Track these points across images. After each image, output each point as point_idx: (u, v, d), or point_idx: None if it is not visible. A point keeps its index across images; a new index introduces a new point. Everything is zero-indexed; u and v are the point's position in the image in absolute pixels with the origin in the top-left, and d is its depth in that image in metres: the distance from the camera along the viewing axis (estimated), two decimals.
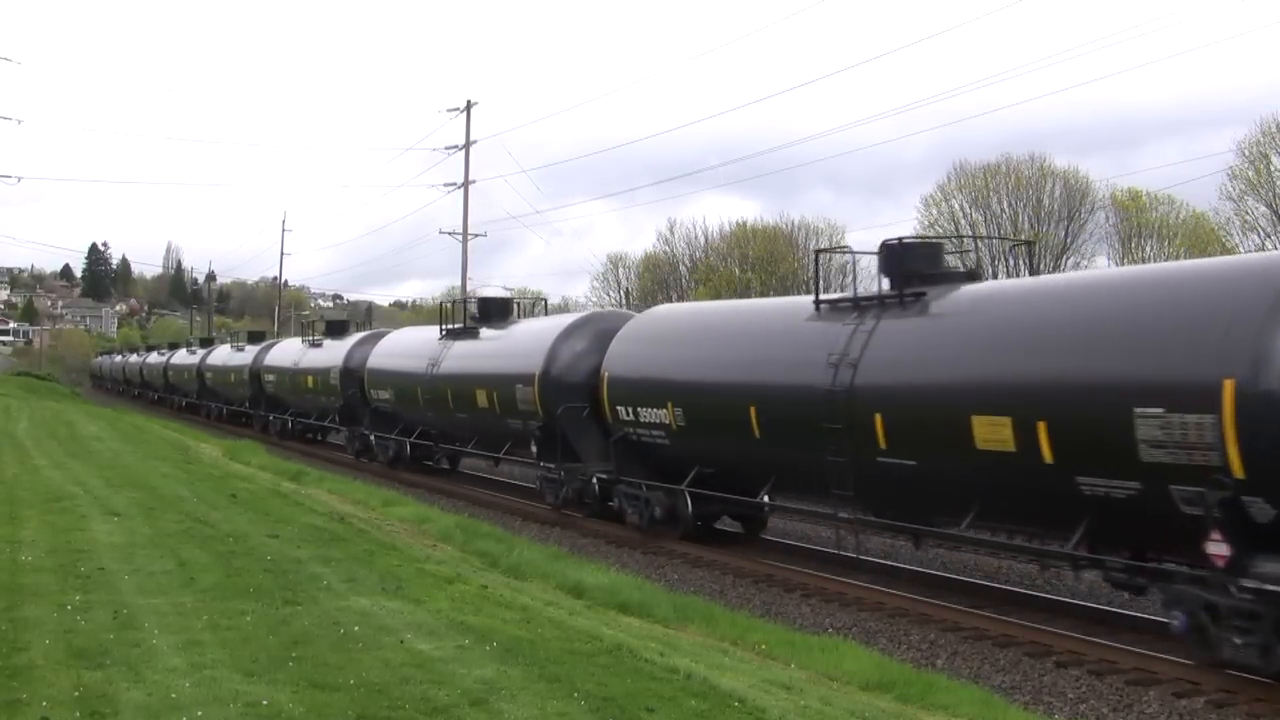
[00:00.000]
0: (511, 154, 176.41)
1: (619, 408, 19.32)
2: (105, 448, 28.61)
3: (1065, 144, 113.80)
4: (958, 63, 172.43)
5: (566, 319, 23.97)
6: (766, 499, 17.05)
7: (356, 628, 8.95)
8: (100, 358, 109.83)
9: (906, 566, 16.39)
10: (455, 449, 28.35)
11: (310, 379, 37.11)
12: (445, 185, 53.83)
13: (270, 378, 42.41)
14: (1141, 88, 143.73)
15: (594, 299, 75.18)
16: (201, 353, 57.10)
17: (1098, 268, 52.98)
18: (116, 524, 14.18)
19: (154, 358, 72.80)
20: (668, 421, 18.05)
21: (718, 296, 55.75)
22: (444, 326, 28.16)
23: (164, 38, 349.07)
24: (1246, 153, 50.11)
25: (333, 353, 35.69)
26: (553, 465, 21.36)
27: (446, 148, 52.29)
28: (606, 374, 19.80)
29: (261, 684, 7.25)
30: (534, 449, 21.94)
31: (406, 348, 30.68)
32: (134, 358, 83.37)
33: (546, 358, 21.72)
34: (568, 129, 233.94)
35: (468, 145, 50.90)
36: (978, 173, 59.25)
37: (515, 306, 29.31)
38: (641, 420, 18.74)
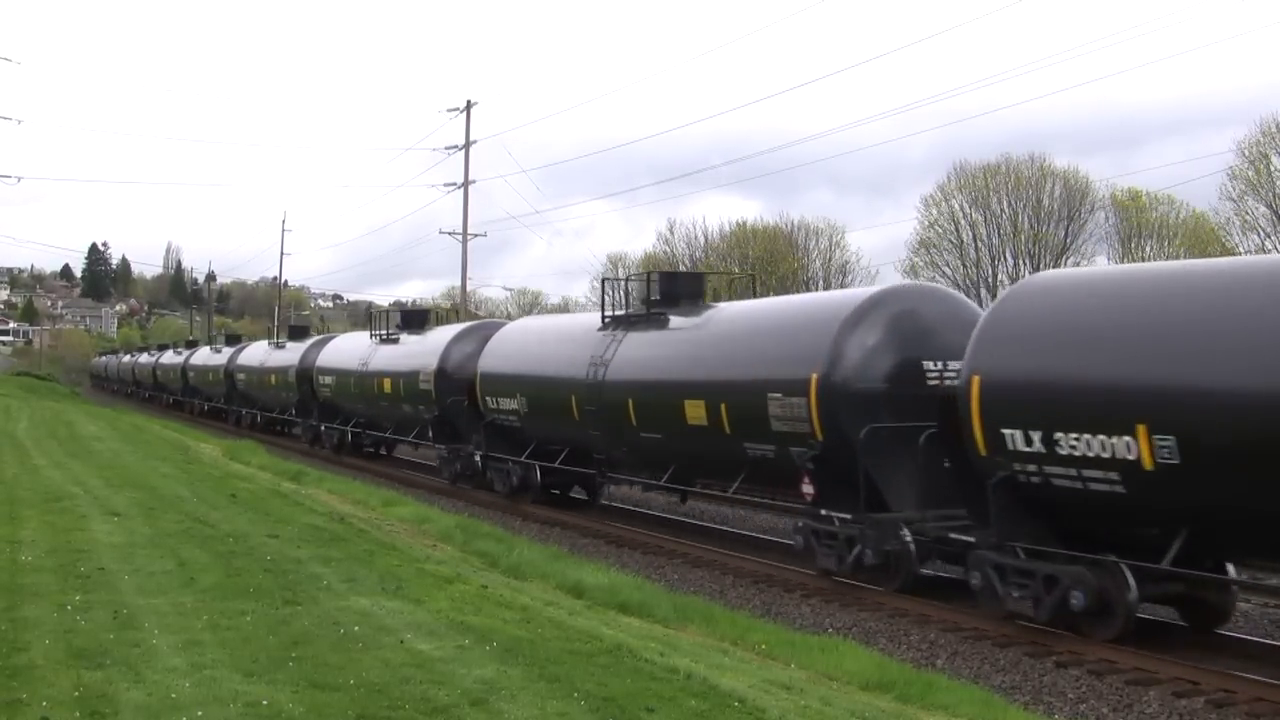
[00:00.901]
0: (513, 154, 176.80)
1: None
2: (105, 448, 28.61)
3: (1067, 144, 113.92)
4: (960, 63, 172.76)
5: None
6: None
7: (356, 628, 8.95)
8: (100, 358, 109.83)
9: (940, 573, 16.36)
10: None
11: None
12: (445, 185, 53.82)
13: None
14: (1143, 87, 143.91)
15: (593, 299, 75.12)
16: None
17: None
18: (116, 524, 14.18)
19: (145, 358, 78.14)
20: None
21: (717, 297, 55.66)
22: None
23: (164, 38, 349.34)
24: (1246, 153, 50.11)
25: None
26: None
27: (447, 148, 52.30)
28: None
29: (261, 684, 7.25)
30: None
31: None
32: (127, 358, 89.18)
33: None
34: (569, 129, 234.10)
35: (467, 145, 50.91)
36: (977, 173, 59.24)
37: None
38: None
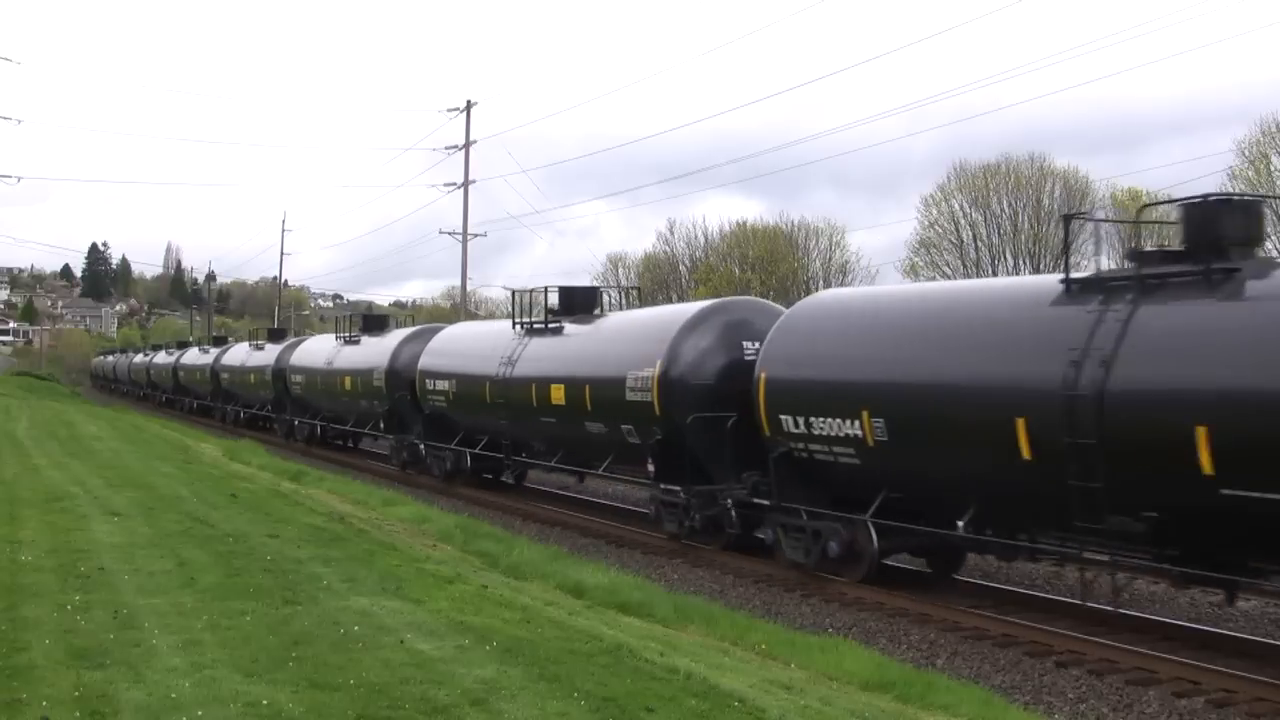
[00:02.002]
0: (515, 154, 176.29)
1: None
2: (105, 447, 28.62)
3: (1071, 144, 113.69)
4: (963, 62, 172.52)
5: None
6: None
7: (356, 628, 8.96)
8: (99, 358, 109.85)
9: (906, 566, 16.38)
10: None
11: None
12: (446, 185, 53.74)
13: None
14: (1148, 87, 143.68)
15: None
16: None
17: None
18: (116, 524, 14.19)
19: (139, 358, 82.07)
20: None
21: (717, 296, 55.74)
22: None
23: (164, 38, 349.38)
24: (1246, 153, 50.12)
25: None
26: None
27: (447, 148, 52.31)
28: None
29: (261, 684, 7.25)
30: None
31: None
32: (124, 358, 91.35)
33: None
34: (572, 128, 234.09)
35: (467, 145, 50.91)
36: (977, 173, 59.28)
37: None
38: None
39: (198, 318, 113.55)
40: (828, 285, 64.59)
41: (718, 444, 17.05)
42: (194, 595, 10.00)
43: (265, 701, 6.85)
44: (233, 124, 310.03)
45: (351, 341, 35.03)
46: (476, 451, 25.40)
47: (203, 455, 28.79)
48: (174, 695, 6.92)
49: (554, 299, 23.86)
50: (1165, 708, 10.27)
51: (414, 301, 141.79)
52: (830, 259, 67.55)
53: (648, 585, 13.98)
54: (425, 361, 27.48)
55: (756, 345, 16.95)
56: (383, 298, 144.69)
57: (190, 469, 23.62)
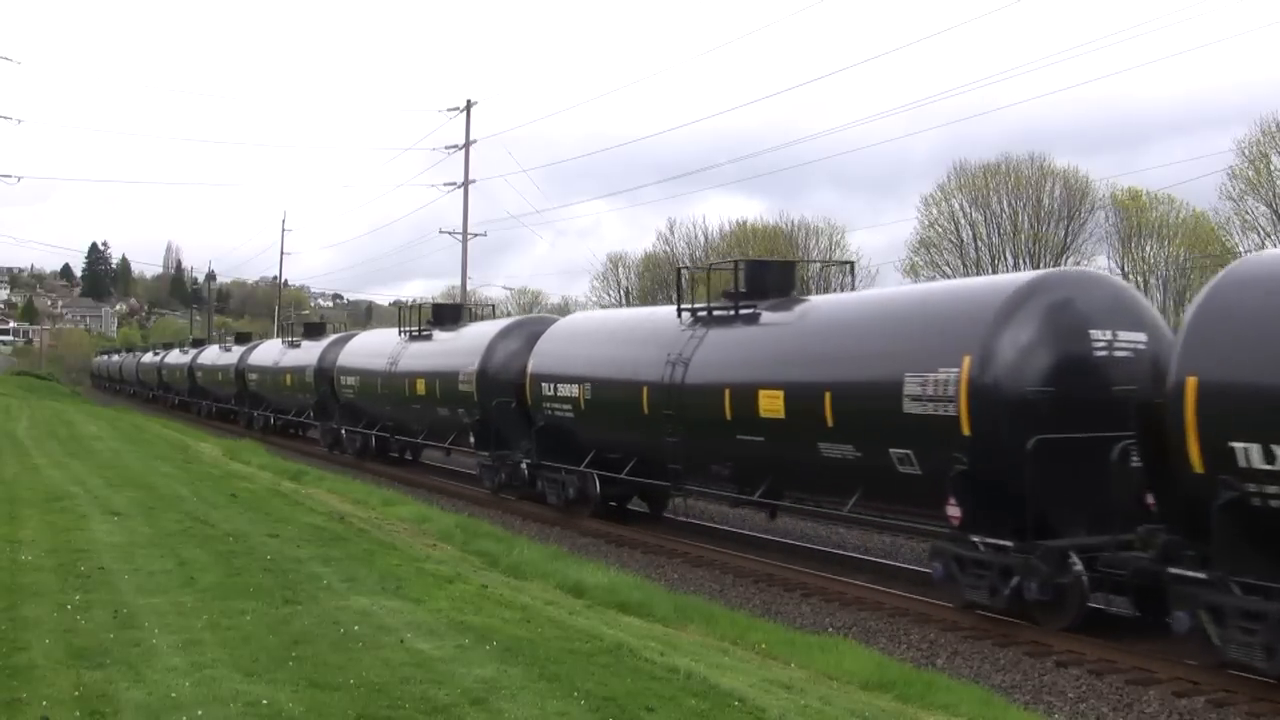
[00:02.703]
0: (515, 153, 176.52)
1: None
2: (105, 447, 28.63)
3: (1072, 143, 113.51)
4: (965, 62, 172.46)
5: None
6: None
7: (356, 627, 8.96)
8: (100, 357, 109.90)
9: (906, 566, 16.40)
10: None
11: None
12: (445, 185, 53.66)
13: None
14: (1149, 86, 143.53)
15: (594, 299, 75.21)
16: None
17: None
18: (116, 523, 14.19)
19: (148, 357, 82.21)
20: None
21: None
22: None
23: (164, 37, 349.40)
24: (1246, 152, 50.16)
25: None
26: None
27: (447, 147, 52.29)
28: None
29: (261, 683, 7.25)
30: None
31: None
32: (129, 357, 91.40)
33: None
34: (573, 128, 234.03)
35: (467, 145, 50.90)
36: (977, 172, 59.28)
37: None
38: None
39: (198, 317, 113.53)
40: (828, 284, 64.54)
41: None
42: (194, 595, 10.00)
43: (265, 701, 6.85)
44: (233, 124, 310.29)
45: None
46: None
47: (202, 455, 28.78)
48: (174, 695, 6.92)
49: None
50: (1165, 707, 10.27)
51: (414, 301, 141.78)
52: (830, 258, 67.44)
53: (647, 585, 13.98)
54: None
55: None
56: (383, 297, 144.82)
57: (190, 468, 23.62)
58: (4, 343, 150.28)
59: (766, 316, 17.25)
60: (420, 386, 27.64)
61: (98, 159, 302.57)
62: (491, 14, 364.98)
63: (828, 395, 14.76)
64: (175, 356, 65.29)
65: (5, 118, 64.25)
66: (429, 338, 29.01)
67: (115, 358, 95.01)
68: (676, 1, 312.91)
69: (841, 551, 17.66)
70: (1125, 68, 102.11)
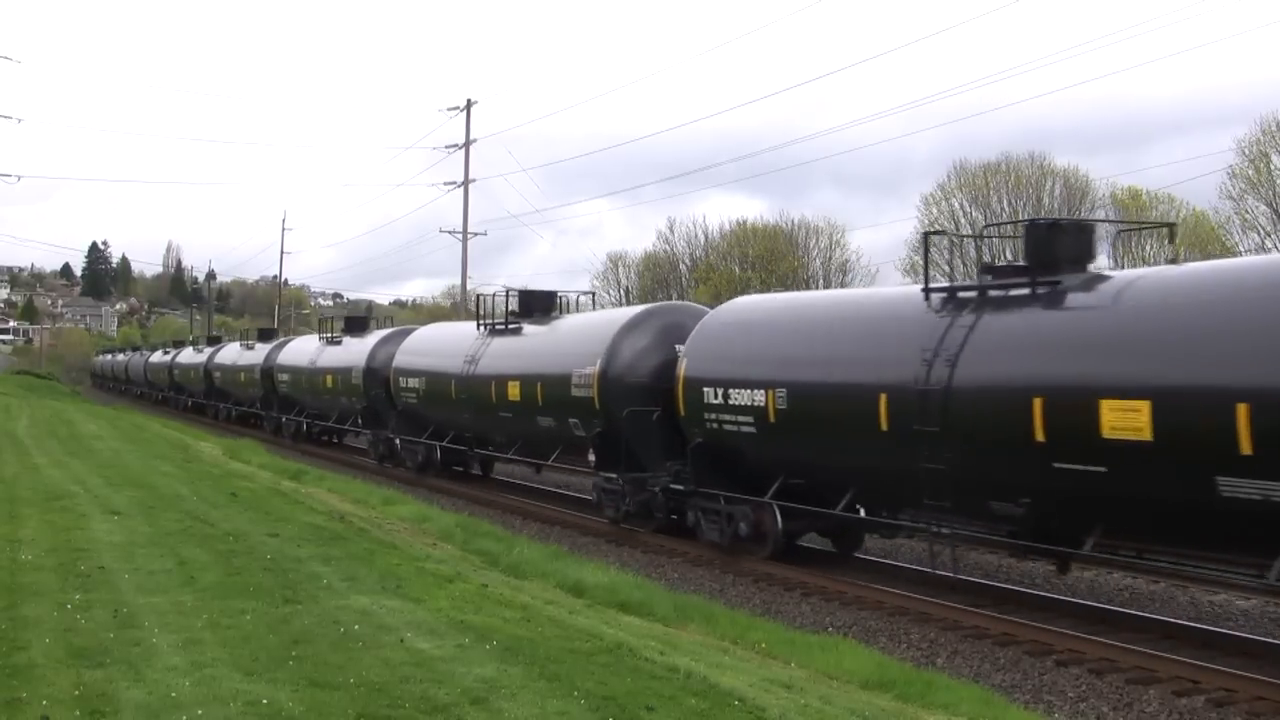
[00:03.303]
0: (516, 153, 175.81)
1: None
2: (105, 446, 28.62)
3: (1073, 142, 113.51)
4: (966, 60, 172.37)
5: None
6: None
7: (356, 626, 8.96)
8: (103, 356, 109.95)
9: (907, 565, 16.39)
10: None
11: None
12: (446, 184, 53.66)
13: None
14: (1152, 84, 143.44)
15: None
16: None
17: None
18: (116, 523, 14.19)
19: (137, 357, 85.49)
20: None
21: (717, 296, 55.79)
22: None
23: (164, 36, 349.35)
24: (1246, 152, 50.13)
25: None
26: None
27: (447, 146, 52.31)
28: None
29: (261, 683, 7.25)
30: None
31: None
32: (123, 357, 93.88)
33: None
34: (574, 127, 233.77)
35: (467, 144, 50.91)
36: (978, 172, 59.28)
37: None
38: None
39: (198, 316, 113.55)
40: (828, 284, 64.62)
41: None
42: (194, 594, 10.00)
43: (265, 700, 6.85)
44: (233, 123, 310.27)
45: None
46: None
47: (202, 454, 28.78)
48: (174, 694, 6.91)
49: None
50: (1165, 706, 10.27)
51: (414, 300, 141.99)
52: (830, 258, 67.60)
53: (647, 584, 13.98)
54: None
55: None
56: (383, 296, 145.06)
57: (190, 468, 23.62)
58: (4, 342, 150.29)
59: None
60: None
61: (98, 158, 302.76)
62: (493, 13, 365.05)
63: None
64: (189, 355, 61.69)
65: (5, 117, 64.11)
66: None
67: (119, 357, 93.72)
68: (678, 1, 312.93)
69: (892, 563, 16.86)
70: (1127, 66, 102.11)
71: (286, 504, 17.97)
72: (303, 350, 39.95)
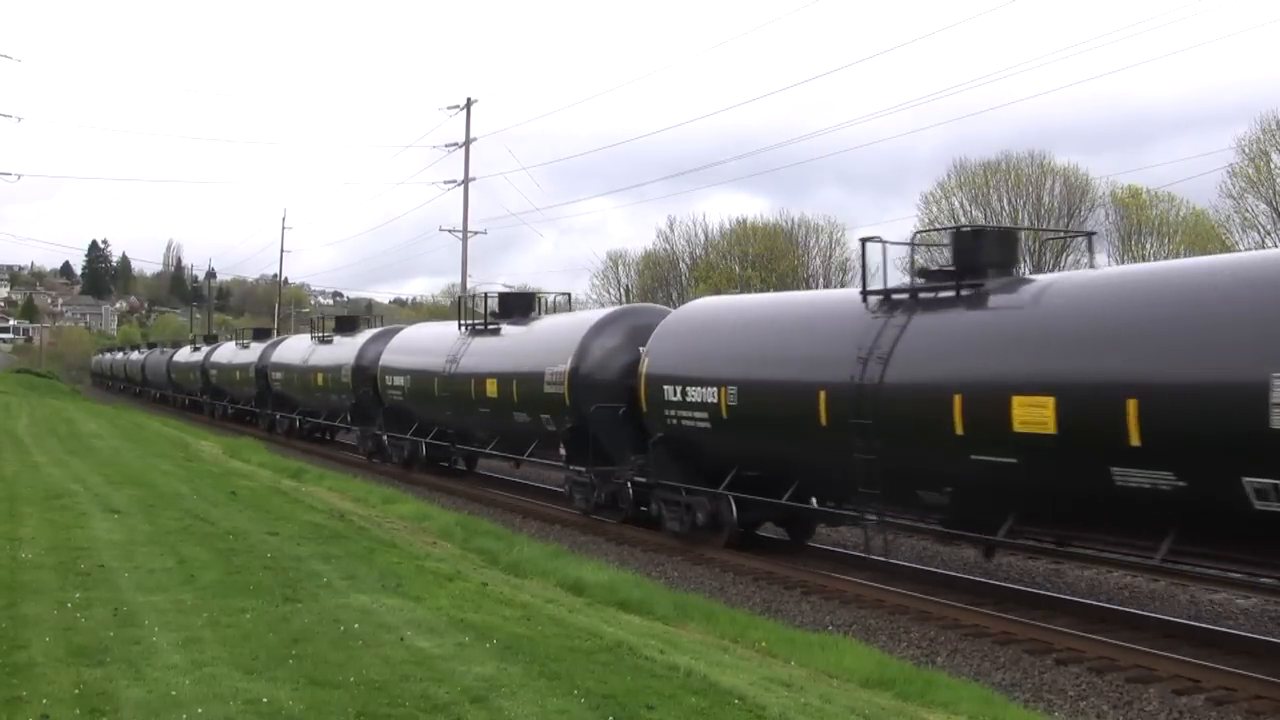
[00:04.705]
0: (520, 151, 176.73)
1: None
2: (105, 445, 28.62)
3: (1077, 140, 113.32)
4: (970, 58, 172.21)
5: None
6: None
7: (356, 625, 8.95)
8: (100, 355, 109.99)
9: (907, 565, 16.39)
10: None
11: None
12: (446, 183, 53.63)
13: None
14: (1155, 83, 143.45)
15: (594, 296, 75.11)
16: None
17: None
18: (116, 521, 14.18)
19: (135, 356, 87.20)
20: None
21: (717, 295, 55.80)
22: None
23: (164, 35, 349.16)
24: (1246, 150, 50.09)
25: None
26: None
27: (448, 145, 52.28)
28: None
29: (261, 681, 7.24)
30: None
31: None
32: (123, 355, 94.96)
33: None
34: (577, 125, 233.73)
35: (467, 143, 50.90)
36: (978, 170, 59.24)
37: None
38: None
39: (198, 315, 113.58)
40: (828, 282, 64.55)
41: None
42: (194, 593, 9.99)
43: (265, 699, 6.84)
44: (234, 121, 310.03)
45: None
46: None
47: (202, 453, 28.79)
48: (174, 693, 6.91)
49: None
50: (1165, 705, 10.27)
51: (414, 299, 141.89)
52: (830, 256, 67.52)
53: (647, 583, 13.99)
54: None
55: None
56: (385, 295, 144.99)
57: (190, 466, 23.62)
58: (4, 340, 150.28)
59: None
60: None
61: (99, 157, 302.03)
62: (495, 12, 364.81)
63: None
64: (186, 354, 62.64)
65: (6, 116, 63.97)
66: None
67: (120, 355, 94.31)
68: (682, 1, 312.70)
69: (841, 550, 17.70)
70: (1131, 64, 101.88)
71: (286, 502, 17.97)
72: (295, 349, 41.10)
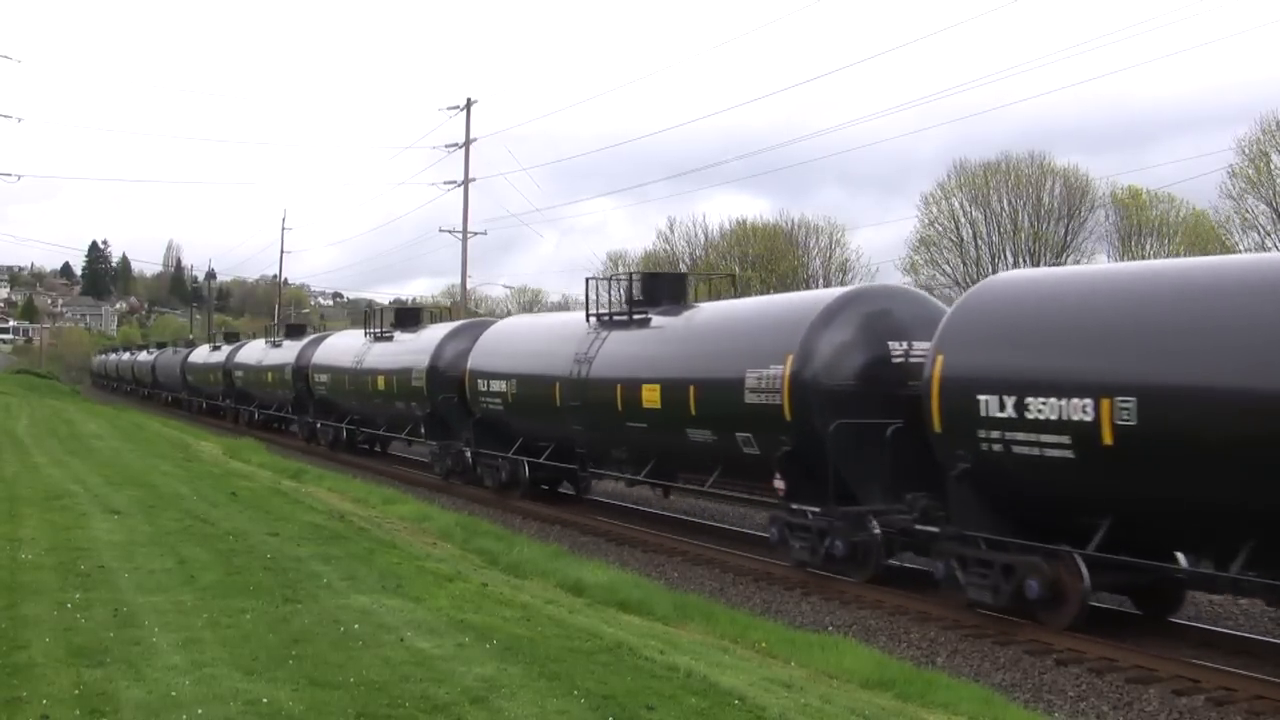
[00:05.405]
0: (522, 152, 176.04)
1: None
2: (105, 445, 28.62)
3: (1078, 140, 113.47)
4: (971, 59, 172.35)
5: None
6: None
7: (356, 626, 8.95)
8: (100, 356, 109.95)
9: (906, 565, 16.37)
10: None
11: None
12: (446, 183, 53.60)
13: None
14: (1156, 83, 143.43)
15: (594, 295, 74.97)
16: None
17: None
18: (116, 522, 14.18)
19: (144, 356, 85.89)
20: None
21: (718, 294, 55.73)
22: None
23: (165, 36, 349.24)
24: (1246, 151, 50.09)
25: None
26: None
27: (448, 146, 52.26)
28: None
29: (261, 682, 7.25)
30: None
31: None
32: (127, 356, 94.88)
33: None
34: (579, 126, 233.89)
35: (467, 143, 50.88)
36: (977, 171, 59.22)
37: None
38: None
39: (198, 316, 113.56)
40: (827, 283, 64.54)
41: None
42: (194, 593, 9.99)
43: (265, 699, 6.85)
44: (235, 122, 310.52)
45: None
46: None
47: (202, 453, 28.78)
48: (174, 693, 6.91)
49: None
50: (1165, 705, 10.27)
51: (414, 299, 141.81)
52: (830, 257, 67.49)
53: (647, 583, 13.98)
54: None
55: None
56: (384, 295, 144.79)
57: (190, 467, 23.61)
58: (4, 341, 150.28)
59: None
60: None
61: (99, 157, 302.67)
62: (495, 12, 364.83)
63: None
64: (204, 354, 59.15)
65: (6, 116, 63.93)
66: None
67: (126, 356, 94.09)
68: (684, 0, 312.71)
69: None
70: (1132, 65, 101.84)
71: (286, 503, 17.97)
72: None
